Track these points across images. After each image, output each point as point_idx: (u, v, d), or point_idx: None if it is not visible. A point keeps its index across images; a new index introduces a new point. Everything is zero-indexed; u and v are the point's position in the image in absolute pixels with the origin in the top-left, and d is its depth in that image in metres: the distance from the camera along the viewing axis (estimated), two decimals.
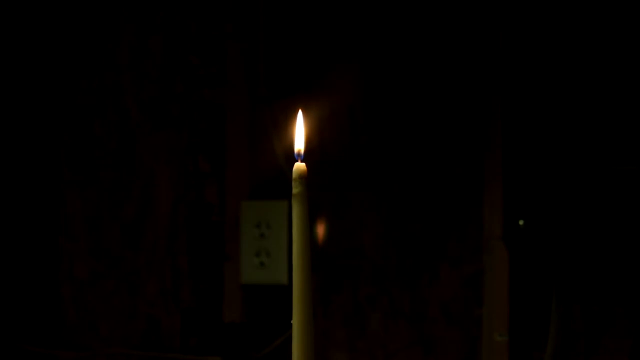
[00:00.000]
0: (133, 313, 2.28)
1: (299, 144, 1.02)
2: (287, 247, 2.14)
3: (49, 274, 2.33)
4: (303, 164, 0.98)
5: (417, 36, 2.12)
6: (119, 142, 2.30)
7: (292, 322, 0.92)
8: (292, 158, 0.99)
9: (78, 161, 2.31)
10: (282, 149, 2.17)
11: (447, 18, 2.10)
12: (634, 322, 1.67)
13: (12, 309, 2.33)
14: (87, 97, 2.31)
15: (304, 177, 0.97)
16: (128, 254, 2.28)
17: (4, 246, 2.34)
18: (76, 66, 2.32)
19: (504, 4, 2.08)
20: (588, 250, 1.64)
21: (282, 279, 2.15)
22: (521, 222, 1.72)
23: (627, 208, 1.62)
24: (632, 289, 1.65)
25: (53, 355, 2.31)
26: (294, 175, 0.97)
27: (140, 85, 2.29)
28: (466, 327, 2.12)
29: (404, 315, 2.14)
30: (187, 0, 2.27)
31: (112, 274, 2.29)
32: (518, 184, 2.06)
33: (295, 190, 0.96)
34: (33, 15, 2.34)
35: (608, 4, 1.99)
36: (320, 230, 2.15)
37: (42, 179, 2.33)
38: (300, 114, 1.06)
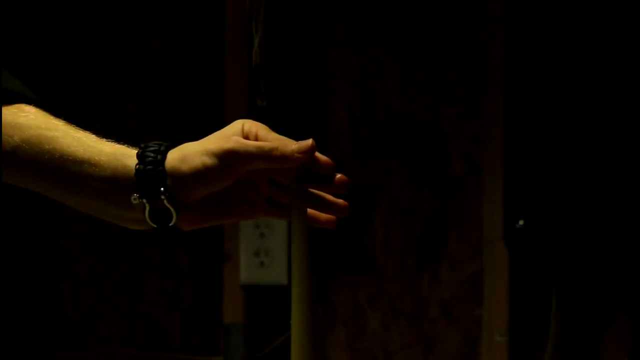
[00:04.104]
0: (133, 313, 2.28)
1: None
2: (286, 247, 2.14)
3: (50, 274, 2.32)
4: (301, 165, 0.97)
5: None
6: (119, 142, 2.29)
7: (291, 322, 0.92)
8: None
9: None
10: None
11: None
12: (634, 322, 1.66)
13: (13, 309, 2.33)
14: (87, 98, 2.31)
15: (303, 178, 0.97)
16: (128, 254, 2.27)
17: (5, 246, 2.34)
18: (76, 66, 2.32)
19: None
20: (588, 250, 1.64)
21: (281, 279, 2.15)
22: (521, 222, 1.72)
23: (627, 208, 1.62)
24: (632, 289, 1.65)
25: (53, 355, 2.31)
26: (292, 175, 0.96)
27: (140, 85, 2.29)
28: (466, 327, 2.12)
29: (404, 315, 2.14)
30: (188, 0, 2.26)
31: (112, 273, 2.28)
32: (518, 184, 2.06)
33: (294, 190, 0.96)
34: (33, 16, 2.34)
35: (609, 4, 1.99)
36: None
37: None
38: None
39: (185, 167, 0.95)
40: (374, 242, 2.16)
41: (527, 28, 2.07)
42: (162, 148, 0.98)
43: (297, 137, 1.00)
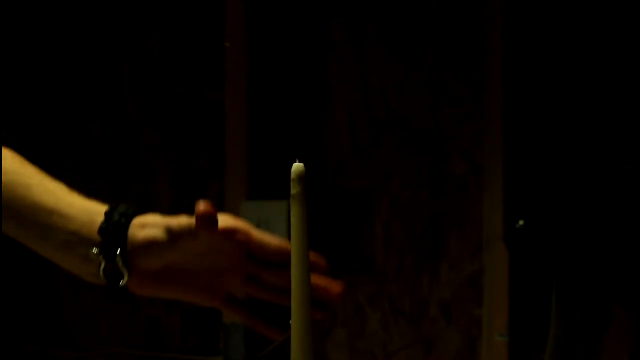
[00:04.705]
0: (133, 313, 2.28)
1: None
2: None
3: (50, 274, 2.32)
4: (301, 164, 0.97)
5: None
6: (119, 142, 2.30)
7: (290, 322, 0.92)
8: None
9: (79, 162, 2.31)
10: None
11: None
12: (634, 322, 1.67)
13: (13, 309, 2.33)
14: (87, 97, 2.31)
15: (303, 178, 0.97)
16: None
17: (5, 246, 2.33)
18: (76, 66, 2.32)
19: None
20: (588, 250, 1.64)
21: None
22: (521, 222, 1.72)
23: (627, 208, 1.62)
24: (632, 289, 1.65)
25: (53, 355, 2.31)
26: (292, 175, 0.96)
27: (140, 84, 2.29)
28: (466, 327, 2.12)
29: (404, 315, 2.14)
30: (187, 0, 2.27)
31: None
32: (518, 184, 2.06)
33: (293, 190, 0.95)
34: (33, 17, 2.34)
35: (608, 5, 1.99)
36: None
37: None
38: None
39: (140, 235, 1.01)
40: (373, 242, 2.16)
41: (527, 28, 2.07)
42: (130, 212, 1.02)
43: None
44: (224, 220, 1.02)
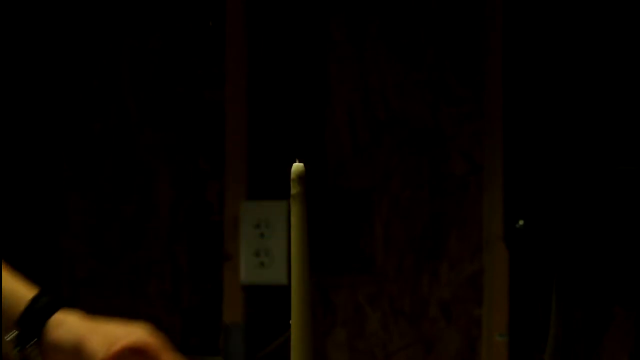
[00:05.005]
0: (133, 313, 2.28)
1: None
2: (286, 247, 2.14)
3: (50, 274, 2.32)
4: (301, 164, 0.97)
5: None
6: (119, 142, 2.29)
7: (290, 322, 0.92)
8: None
9: (79, 162, 2.31)
10: None
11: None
12: (634, 322, 1.67)
13: None
14: (87, 97, 2.31)
15: (303, 178, 0.97)
16: (128, 254, 2.27)
17: (5, 246, 2.33)
18: (76, 66, 2.32)
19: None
20: (588, 250, 1.64)
21: (281, 279, 2.15)
22: (521, 222, 1.72)
23: (627, 208, 1.62)
24: (632, 289, 1.65)
25: None
26: (292, 175, 0.96)
27: (141, 84, 2.29)
28: (466, 327, 2.12)
29: (404, 315, 2.14)
30: (187, 1, 2.27)
31: (112, 274, 2.28)
32: (518, 184, 2.06)
33: (293, 190, 0.95)
34: (33, 17, 2.34)
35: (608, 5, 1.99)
36: None
37: (43, 179, 2.33)
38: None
39: (54, 334, 1.04)
40: (373, 242, 2.16)
41: (527, 28, 2.07)
42: (53, 305, 1.05)
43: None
44: (140, 335, 1.03)
